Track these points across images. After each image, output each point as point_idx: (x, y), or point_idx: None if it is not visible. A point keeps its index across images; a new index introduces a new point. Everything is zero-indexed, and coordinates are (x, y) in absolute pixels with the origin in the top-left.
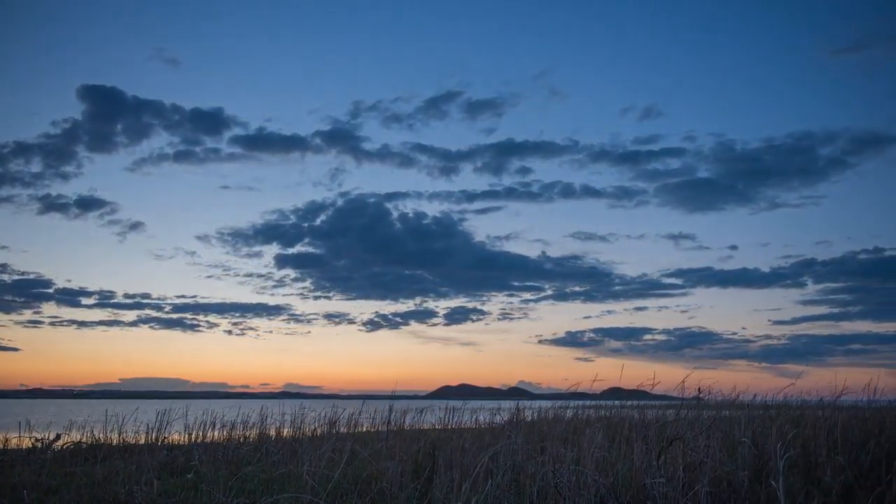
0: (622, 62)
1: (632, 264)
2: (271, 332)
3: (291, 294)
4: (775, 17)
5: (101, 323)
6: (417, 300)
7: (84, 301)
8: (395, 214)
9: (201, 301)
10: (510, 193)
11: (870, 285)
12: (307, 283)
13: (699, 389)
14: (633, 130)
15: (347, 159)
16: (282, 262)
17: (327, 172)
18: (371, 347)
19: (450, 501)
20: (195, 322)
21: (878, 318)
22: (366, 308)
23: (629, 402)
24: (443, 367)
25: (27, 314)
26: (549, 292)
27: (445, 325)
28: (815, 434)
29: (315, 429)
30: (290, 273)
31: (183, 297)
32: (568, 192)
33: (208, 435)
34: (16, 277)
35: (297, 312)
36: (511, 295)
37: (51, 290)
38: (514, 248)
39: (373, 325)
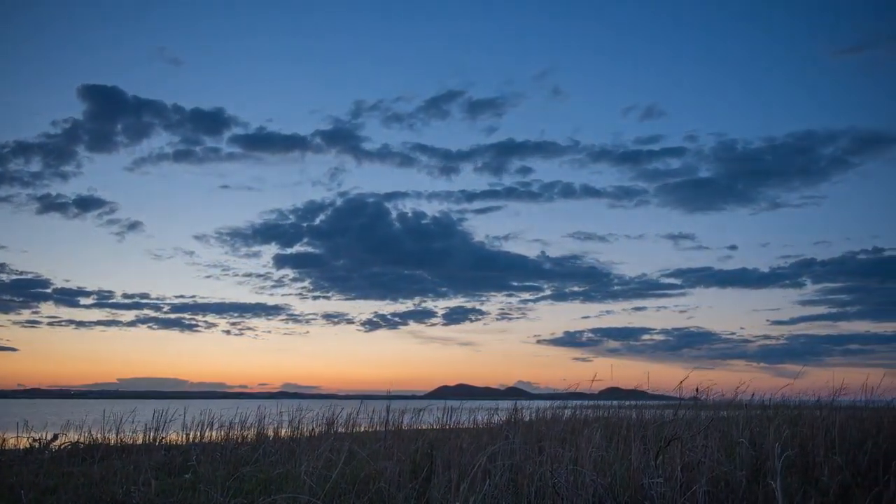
0: (624, 62)
1: (631, 264)
2: (269, 332)
3: (290, 294)
4: (778, 16)
5: (98, 323)
6: (416, 300)
7: (82, 301)
8: (395, 214)
9: (200, 301)
10: (510, 193)
11: (869, 285)
12: (306, 283)
13: (697, 389)
14: (634, 130)
15: (347, 159)
16: (280, 262)
17: (327, 172)
18: (369, 347)
19: (448, 501)
20: (193, 322)
21: (876, 318)
22: (365, 308)
23: (627, 402)
24: (441, 368)
25: (25, 314)
26: (548, 292)
27: (444, 325)
28: (813, 434)
29: (313, 429)
30: (289, 273)
31: (182, 297)
32: (568, 191)
33: (206, 435)
34: (14, 277)
35: (296, 312)
36: (510, 295)
37: (49, 290)
38: (513, 248)
39: (371, 325)
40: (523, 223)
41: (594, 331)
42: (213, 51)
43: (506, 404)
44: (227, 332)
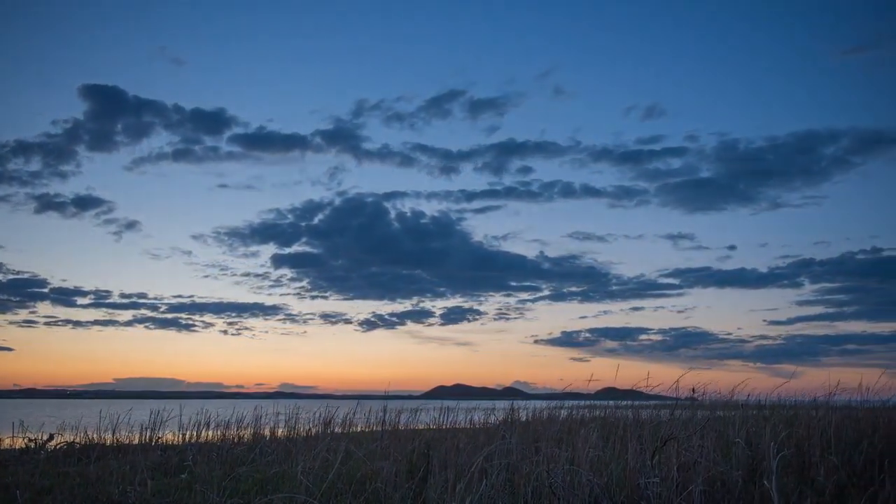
0: (626, 61)
1: (629, 264)
2: (267, 332)
3: (288, 294)
4: (781, 17)
5: (95, 323)
6: (414, 300)
7: (79, 301)
8: (394, 214)
9: (198, 301)
10: (510, 193)
11: (867, 285)
12: (304, 283)
13: (693, 389)
14: (636, 129)
15: (347, 158)
16: (279, 261)
17: (326, 171)
18: (367, 347)
19: (444, 501)
20: (190, 322)
21: (874, 318)
22: (363, 308)
23: (624, 402)
24: (438, 368)
25: (23, 314)
26: (546, 292)
27: (442, 325)
28: (809, 434)
29: (310, 429)
30: (287, 273)
31: (180, 296)
32: (568, 191)
33: (202, 435)
34: (11, 277)
35: (294, 312)
36: (508, 295)
37: (46, 290)
38: (512, 247)
39: (369, 325)
40: (523, 223)
41: (591, 331)
42: (215, 51)
43: (502, 404)
44: (225, 331)
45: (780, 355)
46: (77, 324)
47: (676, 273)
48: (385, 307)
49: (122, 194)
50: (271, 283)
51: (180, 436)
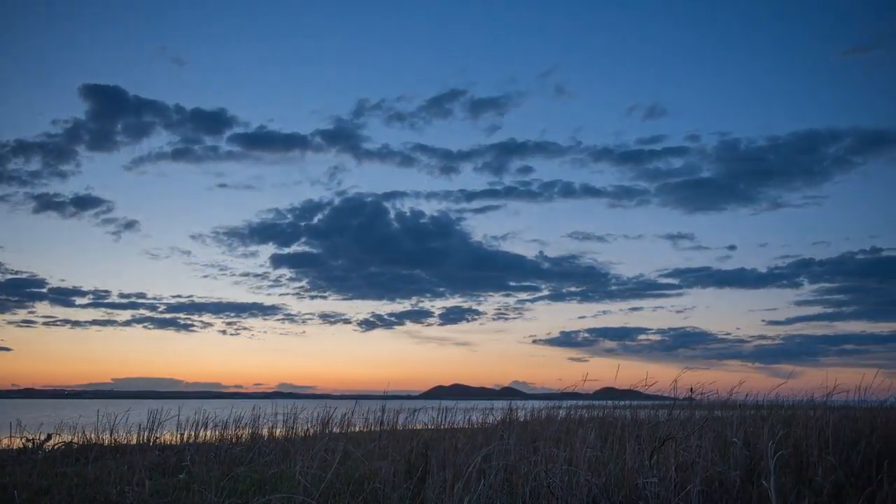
0: (628, 61)
1: (629, 264)
2: (266, 332)
3: (287, 294)
4: (783, 17)
5: (94, 323)
6: (413, 300)
7: (78, 301)
8: (393, 214)
9: (197, 301)
10: (510, 192)
11: (866, 285)
12: (303, 283)
13: (691, 389)
14: (637, 129)
15: (347, 158)
16: (278, 261)
17: (326, 171)
18: (366, 347)
19: (442, 501)
20: (189, 322)
21: (873, 318)
22: (362, 308)
23: (622, 402)
24: (437, 368)
25: (21, 314)
26: (546, 292)
27: (440, 325)
28: (807, 434)
29: (308, 429)
30: (286, 273)
31: (179, 296)
32: (568, 191)
33: (200, 435)
34: (9, 277)
35: (293, 312)
36: (507, 295)
37: (44, 290)
38: (511, 247)
39: (368, 325)
40: (522, 223)
41: (590, 331)
42: (216, 51)
43: (501, 404)
44: (223, 332)
45: (778, 355)
46: (75, 324)
47: (676, 273)
48: (384, 307)
49: (122, 194)
50: (270, 283)
51: (178, 436)
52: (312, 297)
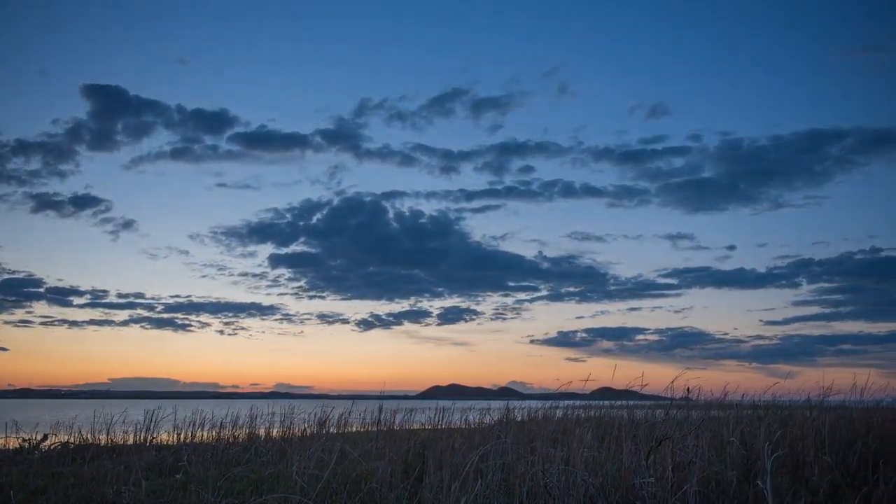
0: (632, 60)
1: (628, 264)
2: (264, 332)
3: (286, 294)
4: (787, 17)
5: (91, 322)
6: (412, 300)
7: (76, 301)
8: (392, 213)
9: (195, 301)
10: (510, 192)
11: (864, 285)
12: (302, 283)
13: (688, 389)
14: (639, 128)
15: (348, 157)
16: (276, 261)
17: (326, 171)
18: (364, 347)
19: (439, 501)
20: (186, 322)
21: (870, 318)
22: (360, 308)
23: (619, 403)
24: (435, 368)
25: (19, 314)
26: (544, 292)
27: (438, 325)
28: (803, 434)
29: (305, 429)
30: (285, 272)
31: (177, 296)
32: (568, 190)
33: (197, 435)
34: (6, 276)
35: (291, 312)
36: (506, 295)
37: (42, 290)
38: (510, 247)
39: (366, 325)
40: (522, 222)
41: (588, 331)
42: (218, 50)
43: (498, 404)
44: (221, 332)
45: (776, 355)
46: (73, 324)
47: (675, 273)
48: (382, 307)
49: (120, 193)
50: (269, 283)
51: (175, 436)
52: (311, 297)
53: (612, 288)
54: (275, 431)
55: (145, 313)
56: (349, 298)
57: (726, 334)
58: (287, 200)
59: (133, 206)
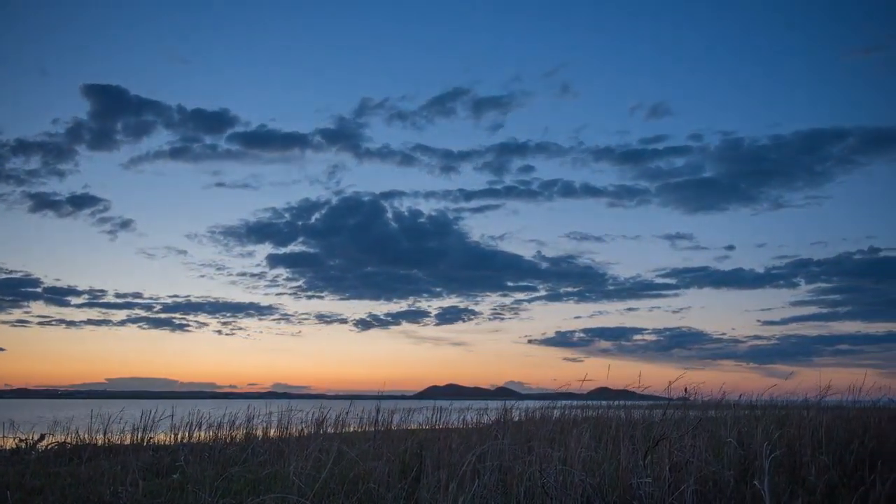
0: (634, 60)
1: (627, 265)
2: (261, 332)
3: (284, 294)
4: (790, 16)
5: (89, 322)
6: (410, 300)
7: (73, 300)
8: (391, 213)
9: (194, 300)
10: (509, 192)
11: (862, 285)
12: (300, 283)
13: (686, 389)
14: (640, 128)
15: (348, 157)
16: (274, 261)
17: (325, 170)
18: (362, 348)
19: (437, 501)
20: (184, 322)
21: (868, 318)
22: (358, 308)
23: (616, 403)
24: (433, 368)
25: (16, 313)
26: (542, 292)
27: (436, 325)
28: (800, 434)
29: (302, 429)
30: (283, 272)
31: (176, 296)
32: (568, 190)
33: (194, 435)
34: (3, 276)
35: (289, 312)
36: (504, 295)
37: (39, 290)
38: (509, 247)
39: (364, 325)
40: (521, 222)
41: (585, 331)
42: (219, 50)
43: (495, 404)
44: (219, 332)
45: (773, 355)
46: (70, 324)
47: (673, 273)
48: (381, 307)
49: (119, 193)
50: (267, 282)
51: (172, 436)
52: (309, 297)
53: (611, 288)
54: (272, 431)
55: (143, 313)
56: (347, 298)
57: (724, 334)
58: (286, 200)
59: (131, 205)
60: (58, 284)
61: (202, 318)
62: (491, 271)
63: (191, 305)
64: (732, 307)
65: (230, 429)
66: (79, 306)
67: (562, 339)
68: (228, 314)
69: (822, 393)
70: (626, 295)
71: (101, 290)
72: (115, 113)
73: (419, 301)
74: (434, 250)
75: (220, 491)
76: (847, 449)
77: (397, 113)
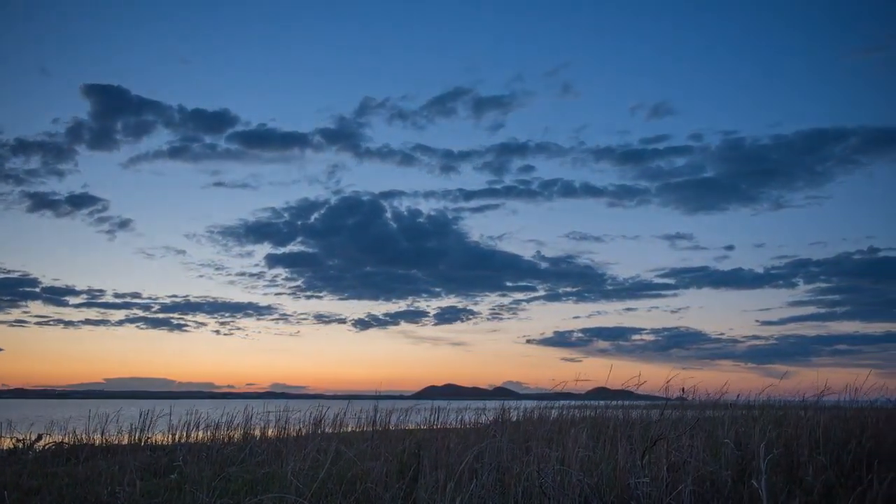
0: (635, 59)
1: (626, 265)
2: (260, 332)
3: (283, 293)
4: (792, 16)
5: (87, 322)
6: (409, 300)
7: (71, 300)
8: (390, 213)
9: (192, 300)
10: (509, 191)
11: (861, 285)
12: (299, 283)
13: (683, 389)
14: (642, 128)
15: (348, 157)
16: (273, 261)
17: (325, 170)
18: (360, 348)
19: (434, 501)
20: (182, 322)
21: (866, 318)
22: (357, 308)
23: (614, 403)
24: (431, 368)
25: (14, 313)
26: (541, 292)
27: (435, 325)
28: (798, 434)
29: (300, 429)
30: (282, 272)
31: (174, 296)
32: (568, 190)
33: (192, 435)
34: (1, 276)
35: (288, 312)
36: (503, 295)
37: (37, 289)
38: (508, 247)
39: (362, 325)
40: (520, 222)
41: (584, 331)
42: (220, 50)
43: (493, 404)
44: (217, 331)
45: (771, 355)
46: (68, 323)
47: (672, 273)
48: (380, 307)
49: (118, 193)
50: (266, 282)
51: (170, 436)
52: (308, 297)
53: (609, 288)
54: (270, 431)
55: (141, 313)
56: (346, 298)
57: (722, 335)
58: (285, 200)
59: (130, 205)
60: (56, 284)
61: (200, 317)
62: (490, 271)
63: (189, 305)
64: (731, 307)
65: (228, 429)
66: (77, 306)
67: (560, 340)
68: (227, 314)
69: (819, 393)
70: (624, 295)
71: (100, 290)
72: (115, 113)
73: (418, 301)
74: (433, 250)
75: (217, 491)
76: (844, 449)
77: (398, 112)
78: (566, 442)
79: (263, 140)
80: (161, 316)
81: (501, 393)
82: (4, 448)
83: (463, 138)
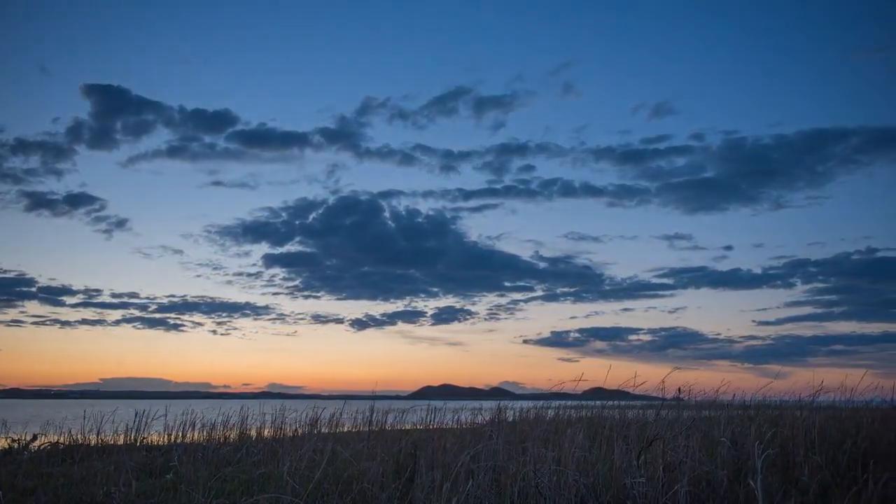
0: (637, 59)
1: (624, 265)
2: (257, 332)
3: (280, 293)
4: (794, 16)
5: (83, 322)
6: (407, 300)
7: (68, 300)
8: (388, 213)
9: (190, 300)
10: (508, 191)
11: (858, 286)
12: (296, 283)
13: (679, 390)
14: (643, 128)
15: (347, 156)
16: (270, 261)
17: (325, 170)
18: (358, 348)
19: (431, 502)
20: (179, 322)
21: (863, 318)
22: (355, 308)
23: (610, 403)
24: (428, 368)
25: (11, 313)
26: (539, 293)
27: (432, 325)
28: (794, 434)
29: (296, 429)
30: (279, 272)
31: (172, 296)
32: (567, 190)
33: (188, 435)
34: None
35: (285, 312)
36: (501, 295)
37: (34, 289)
38: (507, 247)
39: (360, 325)
40: (519, 222)
41: (581, 331)
42: (220, 50)
43: (490, 404)
44: (214, 332)
45: (768, 356)
46: (65, 323)
47: (671, 273)
48: (377, 307)
49: (115, 192)
50: (263, 282)
51: (165, 436)
52: (305, 297)
53: (607, 288)
54: (266, 431)
55: (138, 313)
56: (344, 298)
57: (719, 335)
58: (283, 199)
59: (127, 204)
60: (52, 284)
61: (197, 317)
62: (488, 271)
63: (186, 305)
64: (728, 307)
65: (224, 429)
66: (73, 306)
67: (557, 340)
68: (224, 314)
69: (815, 393)
70: (622, 295)
71: (97, 290)
72: (115, 113)
73: (416, 301)
74: (431, 250)
75: (213, 491)
76: (840, 449)
77: (399, 112)
78: (562, 442)
79: (263, 139)
80: (158, 316)
81: (498, 393)
82: (0, 448)
83: (463, 138)
